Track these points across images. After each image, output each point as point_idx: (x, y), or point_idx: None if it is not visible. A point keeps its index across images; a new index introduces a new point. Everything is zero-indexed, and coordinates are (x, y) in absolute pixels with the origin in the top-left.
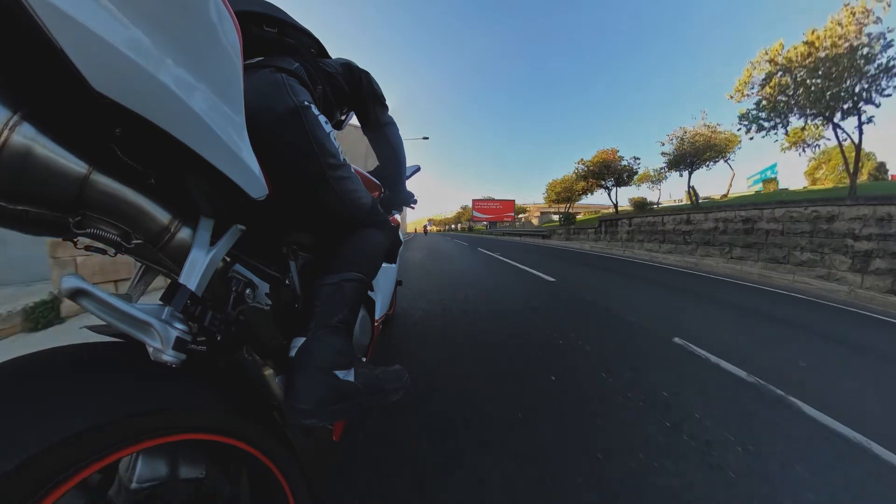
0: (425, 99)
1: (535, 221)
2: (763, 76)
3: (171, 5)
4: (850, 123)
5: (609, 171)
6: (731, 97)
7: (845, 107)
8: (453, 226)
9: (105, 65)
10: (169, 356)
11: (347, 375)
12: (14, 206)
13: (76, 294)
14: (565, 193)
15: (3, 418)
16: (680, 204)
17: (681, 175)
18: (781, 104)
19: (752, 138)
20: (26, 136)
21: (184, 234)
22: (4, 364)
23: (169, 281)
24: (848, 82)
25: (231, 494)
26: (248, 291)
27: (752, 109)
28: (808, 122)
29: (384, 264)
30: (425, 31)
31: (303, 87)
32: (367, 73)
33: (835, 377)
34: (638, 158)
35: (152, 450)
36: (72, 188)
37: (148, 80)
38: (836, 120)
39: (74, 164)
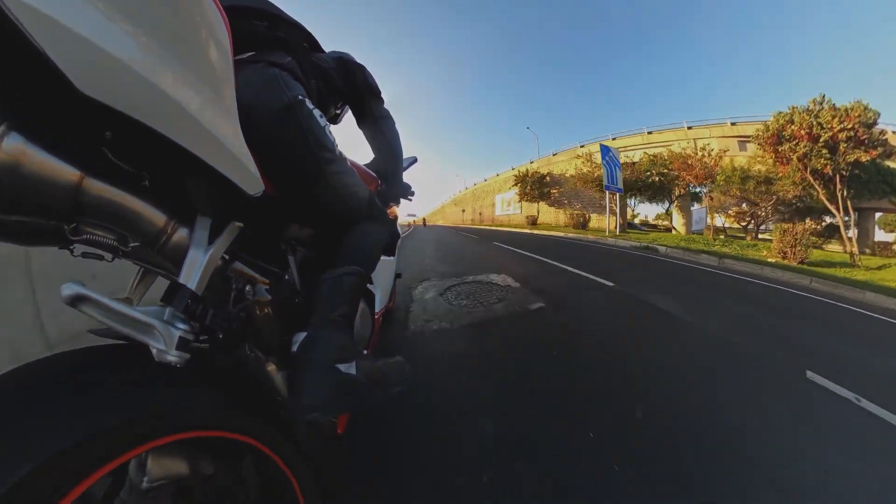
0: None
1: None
2: None
3: (156, 1)
4: None
5: None
6: None
7: None
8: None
9: (90, 66)
10: (173, 356)
11: (349, 369)
12: (7, 217)
13: (77, 300)
14: None
15: (14, 424)
16: None
17: None
18: None
19: None
20: (14, 147)
21: (181, 234)
22: (16, 370)
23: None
24: None
25: (240, 490)
26: (248, 288)
27: None
28: None
29: (383, 257)
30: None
31: (296, 82)
32: (361, 67)
33: None
34: None
35: (161, 449)
36: (65, 195)
37: (135, 80)
38: None
39: (66, 171)
